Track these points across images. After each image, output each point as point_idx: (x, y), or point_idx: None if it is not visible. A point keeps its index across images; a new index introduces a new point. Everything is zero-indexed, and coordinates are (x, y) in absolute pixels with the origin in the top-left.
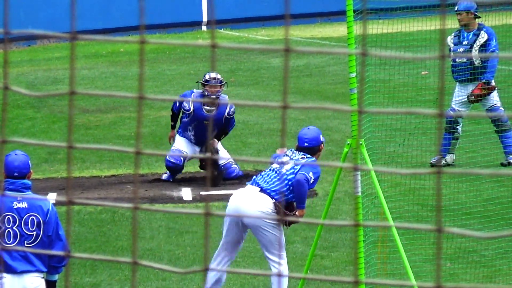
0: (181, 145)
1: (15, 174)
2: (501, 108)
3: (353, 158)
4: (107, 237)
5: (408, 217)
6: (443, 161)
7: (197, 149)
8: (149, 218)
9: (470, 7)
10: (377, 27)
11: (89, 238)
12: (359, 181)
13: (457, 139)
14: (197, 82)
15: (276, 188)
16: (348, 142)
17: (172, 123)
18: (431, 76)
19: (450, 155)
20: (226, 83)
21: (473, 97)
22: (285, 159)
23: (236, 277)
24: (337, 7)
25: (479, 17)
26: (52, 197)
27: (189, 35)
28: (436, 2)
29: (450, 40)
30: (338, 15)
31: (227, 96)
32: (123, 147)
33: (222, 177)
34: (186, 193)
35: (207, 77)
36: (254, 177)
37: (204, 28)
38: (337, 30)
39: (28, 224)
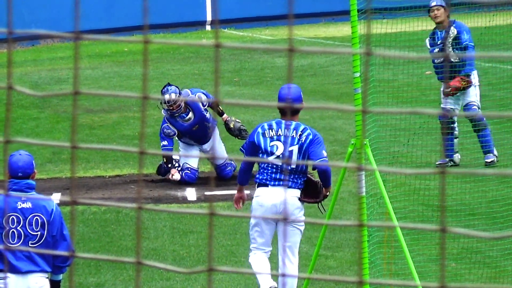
0: (192, 161)
1: (19, 174)
2: (475, 107)
3: (357, 158)
4: (111, 237)
5: (413, 217)
6: (450, 163)
7: (203, 147)
8: (153, 218)
9: (444, 4)
10: (381, 27)
11: (93, 238)
12: (364, 181)
13: (457, 138)
14: (158, 107)
15: (298, 180)
16: (352, 142)
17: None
18: (435, 75)
19: (456, 154)
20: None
21: (449, 89)
22: (279, 148)
23: (240, 277)
24: (341, 6)
25: (449, 16)
26: (56, 197)
27: (193, 35)
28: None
29: (427, 41)
30: (342, 14)
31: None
32: (127, 147)
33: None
34: (191, 193)
35: (166, 100)
36: (270, 175)
37: (208, 27)
38: (341, 29)
39: (32, 224)
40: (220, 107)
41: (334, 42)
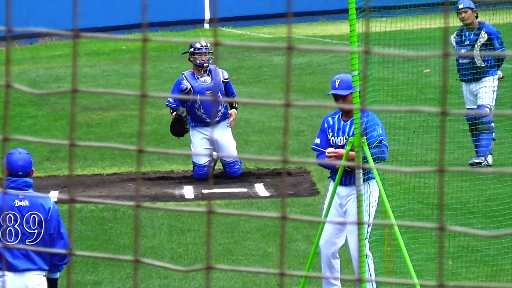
0: (200, 158)
1: (20, 173)
2: (487, 108)
3: (355, 156)
4: (109, 235)
5: (411, 215)
6: (485, 162)
7: (212, 130)
8: (151, 216)
9: (473, 5)
10: (379, 25)
11: (91, 236)
12: (362, 180)
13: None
14: (183, 53)
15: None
16: (351, 140)
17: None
18: (434, 74)
19: (490, 155)
20: (211, 49)
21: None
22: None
23: (238, 275)
24: (339, 5)
25: (477, 16)
26: (54, 195)
27: (191, 33)
28: (438, 0)
29: (453, 39)
30: (340, 13)
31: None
32: (125, 145)
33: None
34: (188, 191)
35: (197, 45)
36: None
37: (206, 26)
38: (339, 28)
39: (29, 222)
40: (236, 105)
41: (333, 40)
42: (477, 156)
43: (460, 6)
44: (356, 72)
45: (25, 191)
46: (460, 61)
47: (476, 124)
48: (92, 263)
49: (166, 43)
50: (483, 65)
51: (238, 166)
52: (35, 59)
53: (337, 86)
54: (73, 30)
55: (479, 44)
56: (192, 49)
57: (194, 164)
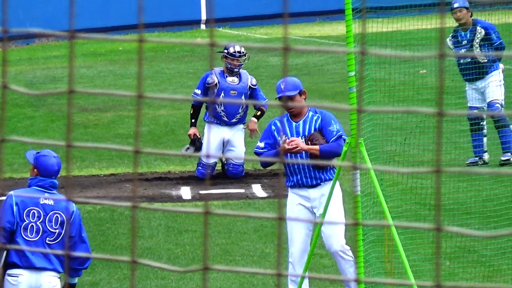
0: (210, 146)
1: (53, 177)
2: (498, 105)
3: (352, 157)
4: (106, 236)
5: (408, 216)
6: (481, 162)
7: (226, 130)
8: (148, 217)
9: (467, 5)
10: (376, 26)
11: (88, 237)
12: (359, 180)
13: (485, 136)
14: (218, 52)
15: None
16: (348, 141)
17: (193, 120)
18: (430, 75)
19: (485, 153)
20: (247, 54)
21: None
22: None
23: (235, 275)
24: (335, 5)
25: (472, 16)
26: None
27: (187, 34)
28: (434, 0)
29: (449, 42)
30: (336, 13)
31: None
32: (122, 146)
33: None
34: (185, 192)
35: (231, 50)
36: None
37: (202, 26)
38: (336, 28)
39: (52, 221)
40: (259, 114)
41: (329, 41)
42: (503, 154)
43: (455, 5)
44: (352, 73)
45: (51, 191)
46: (461, 61)
47: (478, 124)
48: (90, 264)
49: (162, 43)
50: (485, 61)
51: (242, 168)
52: (31, 60)
53: (283, 89)
54: (69, 31)
55: (477, 40)
56: (226, 52)
57: (200, 162)
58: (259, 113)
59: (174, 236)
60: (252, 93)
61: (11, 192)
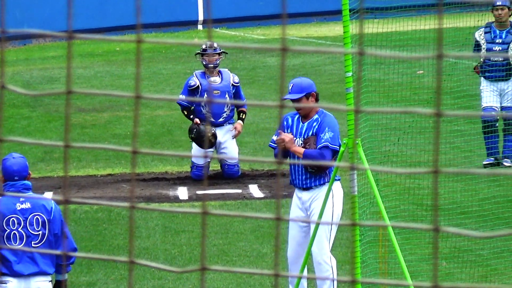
0: (199, 158)
1: (16, 178)
2: None
3: (349, 157)
4: (103, 236)
5: (404, 216)
6: (496, 162)
7: (217, 131)
8: (145, 217)
9: (509, 4)
10: (373, 27)
11: (85, 237)
12: (356, 181)
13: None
14: (196, 54)
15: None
16: (345, 141)
17: (191, 116)
18: (427, 75)
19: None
20: (224, 52)
21: None
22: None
23: (232, 276)
24: (333, 6)
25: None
26: (48, 196)
27: (185, 34)
28: (432, 1)
29: (479, 36)
30: (334, 14)
31: (228, 69)
32: (119, 146)
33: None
34: (182, 192)
35: (203, 46)
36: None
37: (200, 27)
38: (333, 29)
39: (33, 224)
40: (244, 116)
41: (326, 41)
42: (504, 159)
43: (498, 3)
44: (349, 74)
45: (25, 194)
46: (492, 59)
47: (493, 126)
48: (87, 264)
49: (160, 44)
50: None
51: (237, 168)
52: (29, 60)
53: (290, 91)
54: (67, 31)
55: None
56: (201, 49)
57: (193, 165)
58: (243, 115)
59: (171, 237)
60: (235, 90)
61: None
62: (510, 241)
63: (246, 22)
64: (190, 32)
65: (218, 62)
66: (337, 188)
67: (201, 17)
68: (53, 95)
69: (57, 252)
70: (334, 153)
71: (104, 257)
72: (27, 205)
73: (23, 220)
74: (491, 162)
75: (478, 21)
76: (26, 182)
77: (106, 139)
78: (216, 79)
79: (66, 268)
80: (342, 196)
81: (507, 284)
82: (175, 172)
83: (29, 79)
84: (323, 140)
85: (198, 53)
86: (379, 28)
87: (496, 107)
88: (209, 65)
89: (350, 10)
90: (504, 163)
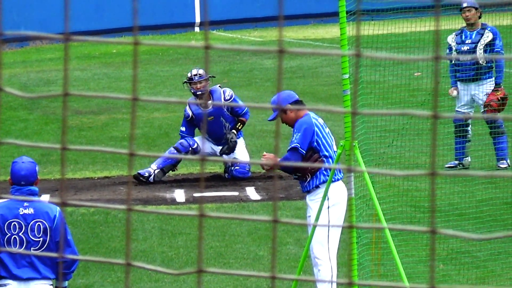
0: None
1: (22, 183)
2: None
3: (346, 159)
4: (100, 238)
5: (401, 218)
6: (460, 166)
7: (218, 148)
8: (142, 220)
9: (477, 5)
10: (370, 28)
11: (82, 240)
12: (353, 183)
13: (469, 141)
14: (183, 82)
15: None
16: (342, 143)
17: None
18: (424, 77)
19: (467, 158)
20: (210, 77)
21: (488, 106)
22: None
23: (229, 278)
24: (330, 8)
25: (481, 17)
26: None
27: (182, 37)
28: (428, 3)
29: (451, 39)
30: (331, 16)
31: (219, 85)
32: (116, 149)
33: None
34: (179, 194)
35: (189, 75)
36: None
37: (197, 29)
38: (330, 31)
39: (34, 230)
40: (240, 126)
41: (323, 43)
42: (499, 162)
43: (464, 5)
44: (347, 75)
45: (31, 199)
46: (461, 59)
47: (463, 127)
48: (83, 266)
49: (157, 46)
50: (484, 65)
51: (249, 167)
52: (26, 62)
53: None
54: (64, 34)
55: (483, 43)
56: (186, 78)
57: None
58: (240, 126)
59: (168, 239)
60: (230, 108)
61: None
62: (507, 243)
63: (243, 24)
64: (187, 34)
65: (205, 88)
66: (335, 189)
67: (198, 19)
68: (50, 97)
69: (54, 254)
70: (301, 153)
71: (101, 260)
72: (30, 211)
73: (25, 226)
74: (452, 165)
75: (488, 22)
76: (32, 187)
77: (103, 142)
78: (208, 105)
79: (66, 276)
80: (344, 196)
81: (504, 286)
82: (172, 174)
83: (26, 81)
84: (291, 142)
85: (185, 82)
86: (376, 30)
87: (464, 111)
88: (197, 93)
89: (347, 12)
90: (500, 165)
